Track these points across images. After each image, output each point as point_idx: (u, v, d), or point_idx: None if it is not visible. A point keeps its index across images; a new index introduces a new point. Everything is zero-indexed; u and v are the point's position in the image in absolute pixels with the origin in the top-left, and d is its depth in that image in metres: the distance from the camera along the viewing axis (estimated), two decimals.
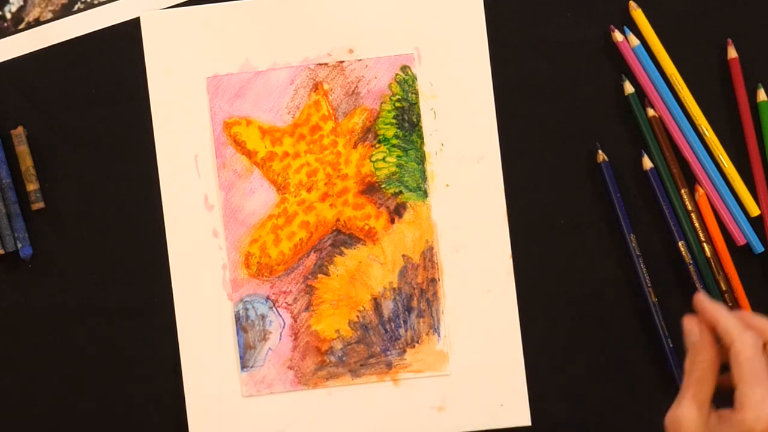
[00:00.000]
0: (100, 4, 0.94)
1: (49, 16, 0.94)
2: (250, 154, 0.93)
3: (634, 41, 0.93)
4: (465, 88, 0.93)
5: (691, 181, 0.93)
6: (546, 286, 0.93)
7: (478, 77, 0.93)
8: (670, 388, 0.92)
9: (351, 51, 0.93)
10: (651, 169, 0.92)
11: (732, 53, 0.93)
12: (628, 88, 0.93)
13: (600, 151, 0.92)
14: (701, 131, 0.93)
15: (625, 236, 0.92)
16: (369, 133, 0.93)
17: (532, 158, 0.93)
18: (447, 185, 0.93)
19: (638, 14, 0.93)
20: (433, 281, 0.93)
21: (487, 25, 0.93)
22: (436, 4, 0.93)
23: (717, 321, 0.79)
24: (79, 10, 0.94)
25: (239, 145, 0.93)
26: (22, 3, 0.94)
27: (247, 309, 0.93)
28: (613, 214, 0.92)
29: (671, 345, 0.92)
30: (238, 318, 0.93)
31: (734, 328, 0.78)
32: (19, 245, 0.93)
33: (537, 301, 0.92)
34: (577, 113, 0.93)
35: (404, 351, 0.93)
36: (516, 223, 0.93)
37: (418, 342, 0.93)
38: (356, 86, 0.93)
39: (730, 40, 0.93)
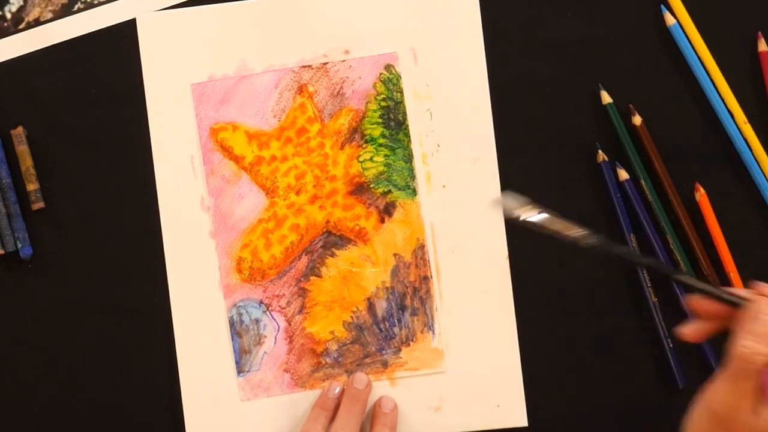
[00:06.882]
0: (100, 4, 0.94)
1: (49, 16, 0.94)
2: (237, 159, 0.93)
3: (671, 20, 0.92)
4: (461, 89, 0.92)
5: (691, 181, 0.92)
6: (543, 287, 0.92)
7: (474, 78, 0.92)
8: (670, 388, 0.92)
9: (347, 52, 0.93)
10: (627, 180, 0.92)
11: (762, 46, 0.92)
12: (605, 97, 0.92)
13: (600, 151, 0.92)
14: (734, 118, 0.92)
15: (625, 236, 0.92)
16: (356, 134, 0.93)
17: (531, 158, 0.92)
18: (443, 186, 0.92)
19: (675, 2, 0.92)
20: (426, 279, 0.92)
21: (486, 25, 0.92)
22: (431, 4, 0.92)
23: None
24: (79, 10, 0.94)
25: (226, 150, 0.93)
26: (22, 3, 0.94)
27: (240, 314, 0.93)
28: (613, 214, 0.92)
29: (671, 345, 0.91)
30: (232, 323, 0.93)
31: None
32: (19, 245, 0.93)
33: (534, 302, 0.92)
34: (576, 113, 0.93)
35: (399, 349, 0.93)
36: (513, 224, 0.92)
37: (413, 340, 0.93)
38: (341, 87, 0.93)
39: (760, 33, 0.92)
